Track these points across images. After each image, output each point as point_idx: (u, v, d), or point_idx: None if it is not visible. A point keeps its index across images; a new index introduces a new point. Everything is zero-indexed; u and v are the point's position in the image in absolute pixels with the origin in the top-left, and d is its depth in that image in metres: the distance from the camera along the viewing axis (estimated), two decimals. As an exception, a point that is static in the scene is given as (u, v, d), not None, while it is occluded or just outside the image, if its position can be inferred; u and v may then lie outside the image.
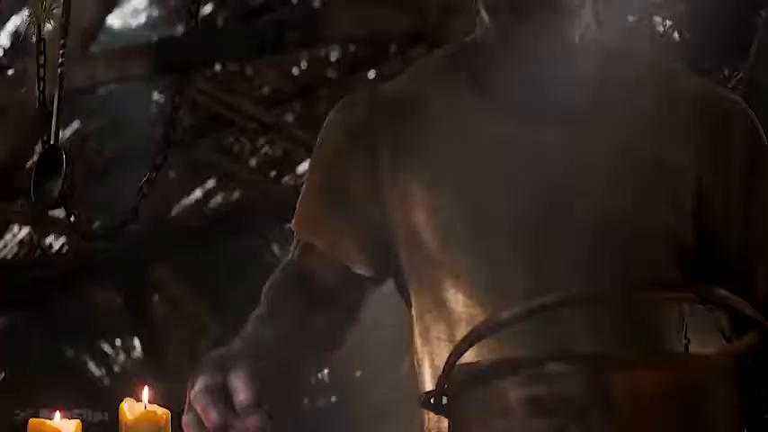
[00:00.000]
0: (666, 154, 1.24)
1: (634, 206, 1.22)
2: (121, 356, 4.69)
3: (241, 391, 1.08)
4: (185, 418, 1.15)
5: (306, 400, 5.04)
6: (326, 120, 1.34)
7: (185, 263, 4.32)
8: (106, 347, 4.62)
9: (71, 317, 4.28)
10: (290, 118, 3.74)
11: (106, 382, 4.55)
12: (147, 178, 1.34)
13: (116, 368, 4.66)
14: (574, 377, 0.99)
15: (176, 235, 3.83)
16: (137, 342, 4.64)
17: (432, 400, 1.11)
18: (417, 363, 1.32)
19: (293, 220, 1.34)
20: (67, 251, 3.90)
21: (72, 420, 1.40)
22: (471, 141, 1.24)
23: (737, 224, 1.26)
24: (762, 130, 1.26)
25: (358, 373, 4.76)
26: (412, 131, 1.27)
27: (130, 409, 1.45)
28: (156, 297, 4.42)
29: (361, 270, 1.30)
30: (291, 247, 1.35)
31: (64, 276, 3.93)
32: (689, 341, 1.31)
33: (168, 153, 1.34)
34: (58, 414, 1.41)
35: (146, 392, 1.48)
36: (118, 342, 4.61)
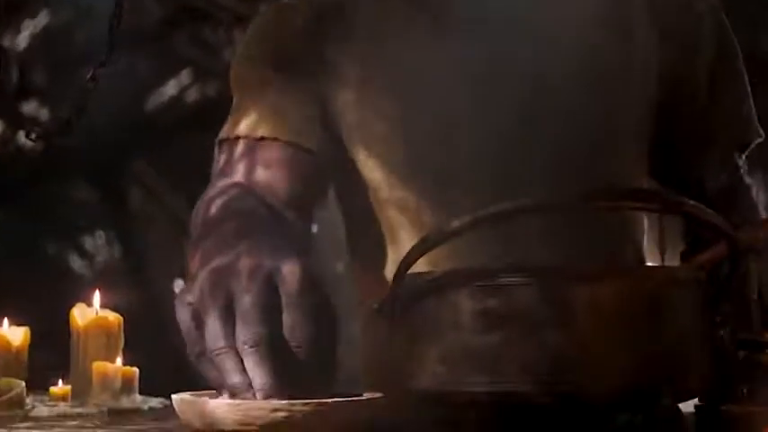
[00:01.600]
0: (628, 45, 1.20)
1: (601, 108, 1.18)
2: (101, 253, 4.66)
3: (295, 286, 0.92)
4: (185, 303, 0.97)
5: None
6: (258, 22, 1.29)
7: (163, 157, 4.27)
8: (85, 244, 4.59)
9: (49, 213, 4.24)
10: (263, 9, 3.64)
11: (87, 278, 4.53)
12: (92, 75, 1.28)
13: (96, 265, 4.64)
14: (529, 290, 0.94)
15: (153, 129, 3.76)
16: (115, 238, 4.61)
17: (381, 311, 1.07)
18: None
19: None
20: (42, 148, 3.84)
21: (20, 327, 1.36)
22: (422, 56, 1.19)
23: (700, 103, 1.24)
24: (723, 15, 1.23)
25: (339, 267, 4.75)
26: (366, 43, 1.22)
27: (81, 314, 1.40)
28: (135, 192, 4.37)
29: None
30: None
31: (39, 172, 3.89)
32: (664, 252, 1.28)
33: (114, 47, 1.28)
34: (6, 321, 1.37)
35: (97, 297, 1.44)
36: (96, 239, 4.58)
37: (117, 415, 1.22)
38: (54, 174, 4.00)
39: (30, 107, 3.69)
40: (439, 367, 0.98)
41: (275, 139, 1.25)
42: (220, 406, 0.89)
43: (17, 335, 1.35)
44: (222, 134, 1.34)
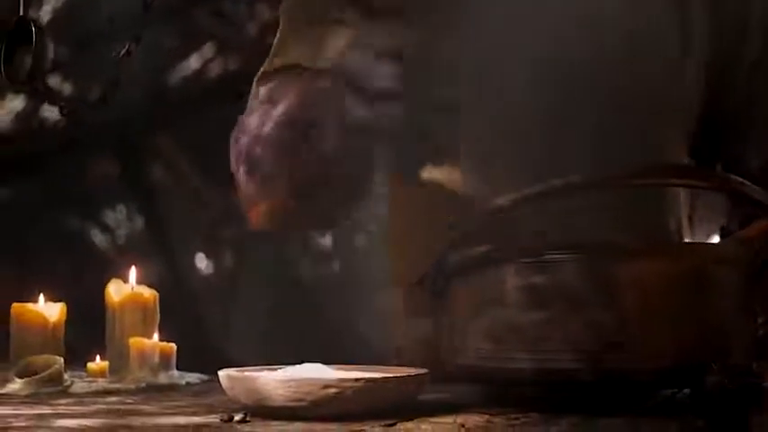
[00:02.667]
0: (677, 30, 1.20)
1: (651, 87, 1.18)
2: (123, 227, 4.67)
3: None
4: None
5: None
6: None
7: (184, 131, 4.25)
8: (107, 218, 4.59)
9: (71, 187, 4.24)
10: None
11: (109, 252, 4.54)
12: (127, 50, 1.28)
13: (118, 240, 4.64)
14: (575, 266, 0.94)
15: (175, 103, 3.75)
16: (137, 212, 4.61)
17: (424, 285, 1.07)
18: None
19: None
20: (65, 123, 3.83)
21: (57, 304, 1.37)
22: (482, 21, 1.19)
23: (742, 83, 1.25)
24: None
25: (359, 241, 4.76)
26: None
27: (117, 290, 1.41)
28: (158, 166, 4.37)
29: None
30: None
31: (63, 147, 3.88)
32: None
33: (147, 22, 1.28)
34: (42, 297, 1.38)
35: (133, 273, 1.44)
36: (117, 213, 4.59)
37: (155, 391, 1.23)
38: (76, 147, 3.99)
39: (53, 82, 3.69)
40: (483, 343, 0.98)
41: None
42: (270, 382, 0.89)
43: (53, 311, 1.35)
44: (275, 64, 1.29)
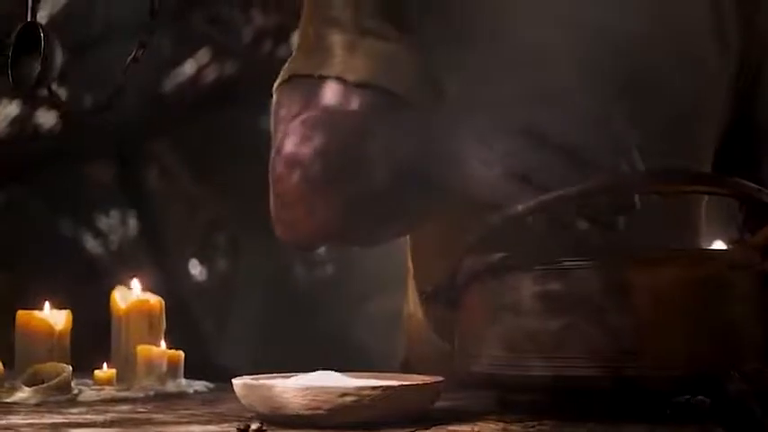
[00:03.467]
0: (717, 35, 1.20)
1: (688, 89, 1.17)
2: (117, 233, 4.66)
3: None
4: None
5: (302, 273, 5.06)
6: None
7: (181, 136, 4.26)
8: (102, 224, 4.59)
9: (67, 193, 4.24)
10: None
11: (104, 258, 4.54)
12: (134, 56, 1.27)
13: (112, 245, 4.65)
14: (592, 273, 0.94)
15: (170, 108, 3.74)
16: (132, 218, 4.61)
17: (438, 295, 1.07)
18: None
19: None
20: (61, 128, 3.83)
21: (62, 311, 1.36)
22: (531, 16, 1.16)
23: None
24: None
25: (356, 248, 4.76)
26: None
27: (123, 297, 1.40)
28: (153, 172, 4.36)
29: None
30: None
31: (58, 152, 3.88)
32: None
33: (154, 28, 1.27)
34: (47, 304, 1.37)
35: (135, 281, 1.43)
36: (113, 218, 4.58)
37: (164, 399, 1.22)
38: (71, 153, 3.99)
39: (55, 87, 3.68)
40: (499, 350, 0.97)
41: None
42: (287, 390, 0.89)
43: (59, 318, 1.34)
44: (298, 70, 1.22)
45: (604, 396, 0.94)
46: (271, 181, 1.20)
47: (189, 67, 3.72)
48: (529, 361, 0.95)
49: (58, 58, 1.20)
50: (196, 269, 4.80)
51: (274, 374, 1.00)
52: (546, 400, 0.97)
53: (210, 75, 3.75)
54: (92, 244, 4.61)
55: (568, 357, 0.94)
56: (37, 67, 1.18)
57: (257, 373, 0.99)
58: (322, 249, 5.14)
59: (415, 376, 1.00)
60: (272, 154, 1.19)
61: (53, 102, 1.29)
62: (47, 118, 3.80)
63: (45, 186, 4.07)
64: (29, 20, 1.21)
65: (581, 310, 0.93)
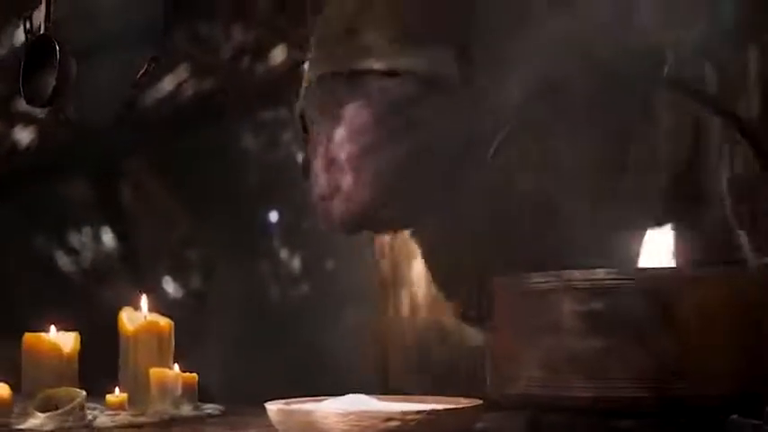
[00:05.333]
0: None
1: None
2: (91, 250, 4.60)
3: None
4: None
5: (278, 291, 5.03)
6: None
7: (158, 153, 4.21)
8: (77, 240, 4.53)
9: (41, 209, 4.18)
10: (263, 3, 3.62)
11: (77, 276, 4.48)
12: (146, 70, 1.25)
13: (85, 263, 4.59)
14: (634, 292, 0.92)
15: (148, 125, 3.70)
16: (108, 235, 4.55)
17: (469, 313, 1.04)
18: None
19: None
20: (37, 144, 3.77)
21: (70, 333, 1.33)
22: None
23: None
24: None
25: (329, 264, 4.73)
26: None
27: (130, 318, 1.37)
28: (129, 188, 4.31)
29: None
30: None
31: (35, 169, 3.82)
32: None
33: (167, 48, 1.24)
34: (53, 328, 1.33)
35: (144, 301, 1.40)
36: (83, 236, 4.53)
37: (183, 423, 1.19)
38: (48, 170, 3.93)
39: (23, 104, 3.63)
40: (537, 371, 0.95)
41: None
42: (328, 416, 0.86)
43: (67, 341, 1.31)
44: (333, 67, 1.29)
45: (648, 417, 0.93)
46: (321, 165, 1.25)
47: (167, 84, 3.69)
48: (569, 382, 0.94)
49: (73, 71, 1.17)
50: (170, 286, 4.75)
51: (304, 399, 0.98)
52: (585, 421, 0.96)
53: (188, 91, 3.72)
54: (64, 261, 4.55)
55: (611, 378, 0.92)
56: (52, 82, 1.15)
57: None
58: (298, 266, 5.14)
59: (452, 399, 0.98)
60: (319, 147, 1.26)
61: (64, 117, 1.25)
62: (23, 135, 3.75)
63: (21, 203, 4.01)
64: (42, 32, 1.18)
65: (624, 330, 0.91)
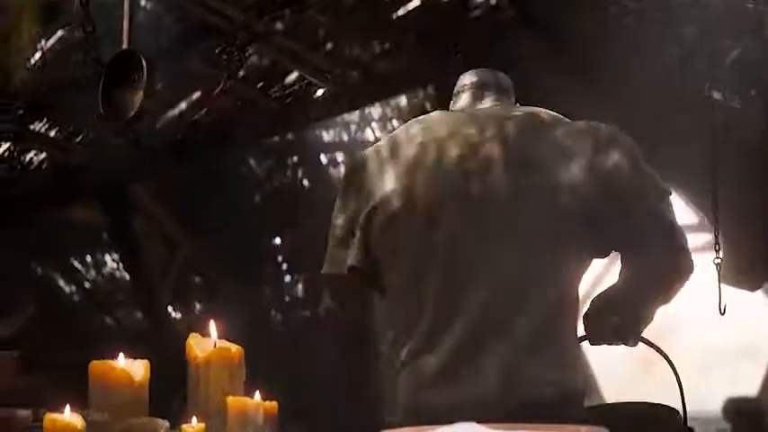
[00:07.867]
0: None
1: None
2: (94, 273, 4.56)
3: None
4: None
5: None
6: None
7: (165, 177, 4.17)
8: (80, 264, 4.49)
9: (50, 233, 4.14)
10: (279, 26, 3.56)
11: (78, 298, 4.44)
12: (222, 89, 1.20)
13: (88, 285, 4.53)
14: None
15: (158, 148, 3.63)
16: (114, 259, 4.50)
17: None
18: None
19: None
20: (47, 167, 3.71)
21: (140, 361, 1.27)
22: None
23: None
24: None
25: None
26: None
27: (199, 345, 1.32)
28: (133, 214, 4.26)
29: None
30: None
31: (43, 192, 3.77)
32: None
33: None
34: (121, 355, 1.28)
35: (213, 327, 1.35)
36: (91, 258, 4.48)
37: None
38: (56, 193, 3.88)
39: (39, 125, 3.59)
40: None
41: None
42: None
43: (138, 369, 1.26)
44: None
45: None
46: None
47: (180, 107, 3.63)
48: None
49: (157, 89, 1.12)
50: (173, 309, 4.70)
51: (410, 428, 0.92)
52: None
53: (201, 114, 3.65)
54: (69, 285, 4.50)
55: None
56: (134, 99, 1.10)
57: None
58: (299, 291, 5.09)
59: (571, 427, 0.93)
60: None
61: (134, 137, 1.21)
62: (36, 157, 3.70)
63: (29, 226, 3.96)
64: (124, 47, 1.13)
65: None
